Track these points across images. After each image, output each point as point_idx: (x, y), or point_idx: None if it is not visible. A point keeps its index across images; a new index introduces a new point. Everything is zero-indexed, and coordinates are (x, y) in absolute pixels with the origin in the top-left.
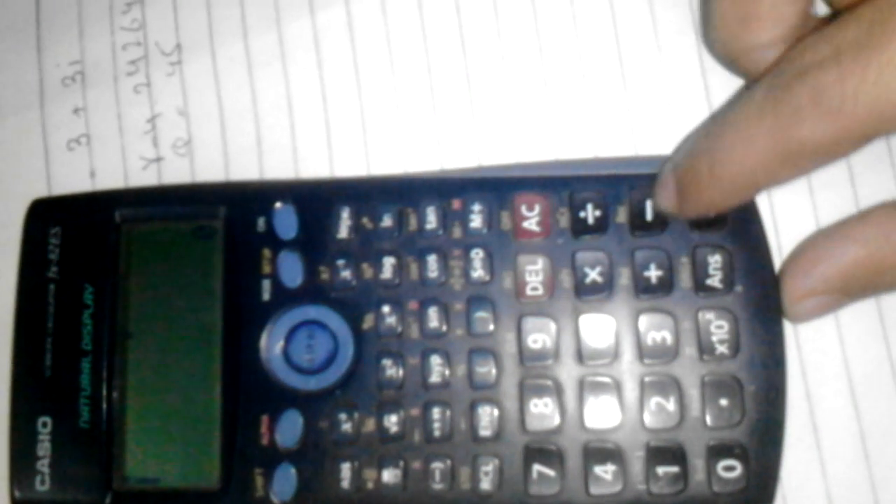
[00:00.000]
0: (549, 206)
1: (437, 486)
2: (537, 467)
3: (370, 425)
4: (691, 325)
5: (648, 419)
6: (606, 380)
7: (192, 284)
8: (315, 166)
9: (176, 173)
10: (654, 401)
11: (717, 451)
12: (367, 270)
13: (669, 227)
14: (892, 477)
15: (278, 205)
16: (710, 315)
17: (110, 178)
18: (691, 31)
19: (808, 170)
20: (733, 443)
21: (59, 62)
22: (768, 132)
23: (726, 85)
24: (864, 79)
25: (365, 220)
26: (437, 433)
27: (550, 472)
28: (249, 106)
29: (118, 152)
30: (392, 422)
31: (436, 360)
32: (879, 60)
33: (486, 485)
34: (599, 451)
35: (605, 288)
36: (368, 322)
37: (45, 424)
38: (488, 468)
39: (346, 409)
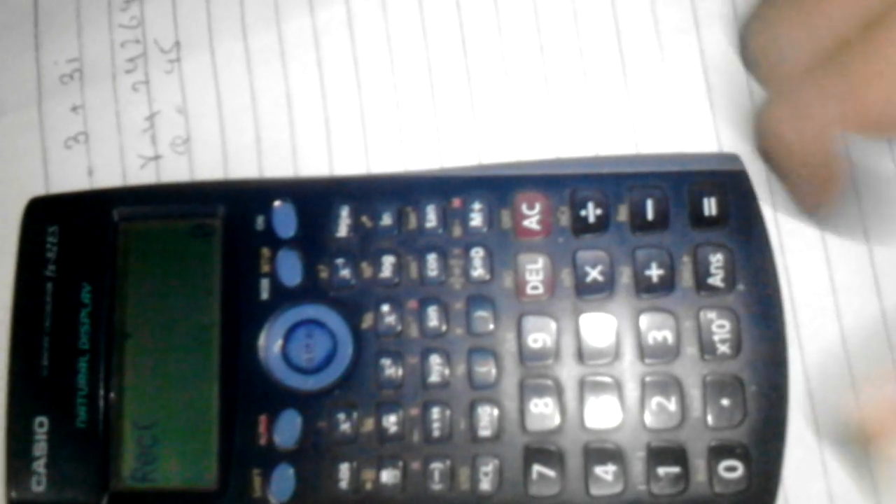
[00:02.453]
0: (549, 205)
1: (437, 486)
2: (537, 468)
3: (369, 425)
4: (692, 325)
5: (649, 419)
6: (607, 379)
7: (191, 283)
8: (314, 164)
9: (174, 171)
10: (655, 401)
11: (719, 452)
12: (367, 269)
13: (670, 226)
14: (894, 477)
15: (277, 203)
16: (711, 314)
17: (108, 177)
18: (692, 28)
19: None
20: (735, 443)
21: (56, 60)
22: None
23: (728, 83)
24: None
25: (364, 219)
26: (436, 433)
27: (550, 473)
28: (249, 104)
29: (116, 150)
30: (391, 422)
31: (435, 360)
32: None
33: (485, 485)
34: (600, 452)
35: (606, 287)
36: (367, 321)
37: (41, 424)
38: (488, 468)
39: (345, 408)
